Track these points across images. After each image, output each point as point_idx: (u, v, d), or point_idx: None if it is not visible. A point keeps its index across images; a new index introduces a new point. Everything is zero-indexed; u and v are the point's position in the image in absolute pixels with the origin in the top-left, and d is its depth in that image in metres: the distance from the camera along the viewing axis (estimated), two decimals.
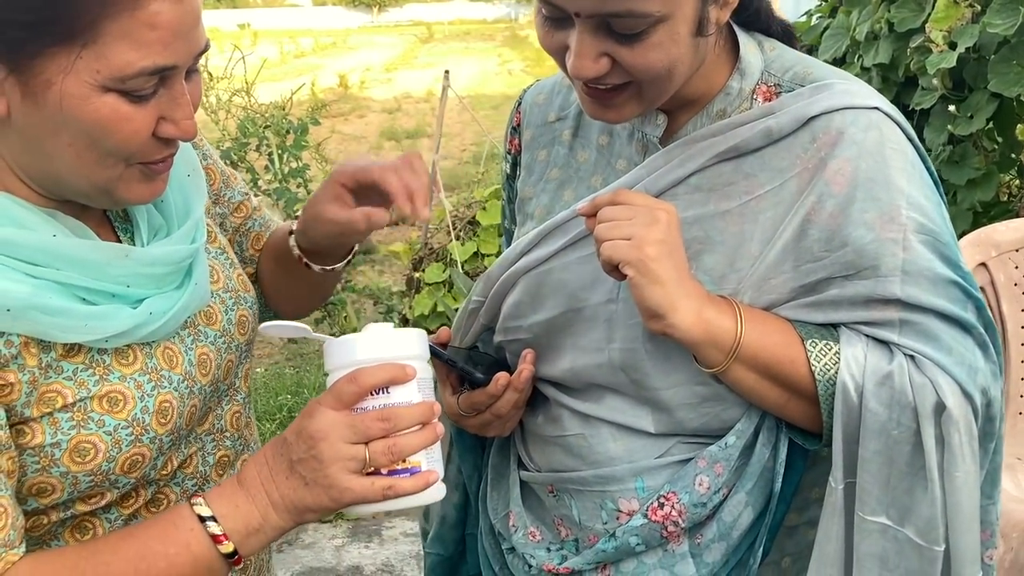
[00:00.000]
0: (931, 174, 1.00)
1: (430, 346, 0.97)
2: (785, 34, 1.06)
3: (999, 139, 3.07)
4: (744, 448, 0.98)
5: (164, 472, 0.93)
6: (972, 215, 2.99)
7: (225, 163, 3.39)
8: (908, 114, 3.31)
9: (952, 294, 0.93)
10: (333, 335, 1.04)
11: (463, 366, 1.09)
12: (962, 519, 0.91)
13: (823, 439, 0.96)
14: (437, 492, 0.88)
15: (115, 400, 0.86)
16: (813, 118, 0.96)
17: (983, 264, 2.10)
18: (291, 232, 1.10)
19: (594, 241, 0.94)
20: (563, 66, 0.93)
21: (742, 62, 1.00)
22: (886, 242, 0.92)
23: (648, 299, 0.89)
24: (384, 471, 0.83)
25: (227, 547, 0.82)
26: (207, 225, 1.05)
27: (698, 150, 0.98)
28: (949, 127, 3.01)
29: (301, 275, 1.13)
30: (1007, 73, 2.81)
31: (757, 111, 0.98)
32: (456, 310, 3.56)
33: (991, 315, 0.99)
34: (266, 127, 3.18)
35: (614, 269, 0.92)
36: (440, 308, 3.58)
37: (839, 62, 3.66)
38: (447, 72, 3.82)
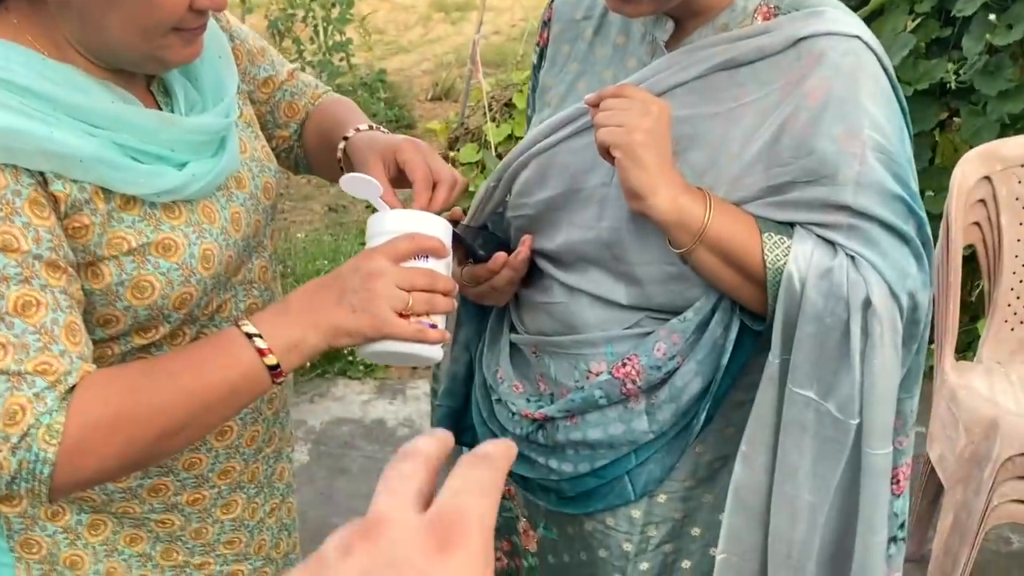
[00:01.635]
0: (900, 104, 1.11)
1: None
2: None
3: None
4: (700, 323, 1.12)
5: (206, 311, 1.08)
6: (1000, 126, 3.02)
7: (272, 32, 3.48)
8: (949, 20, 3.28)
9: (897, 208, 1.05)
10: (370, 209, 1.19)
11: (469, 243, 1.24)
12: (876, 399, 1.05)
13: (766, 320, 1.10)
14: (441, 352, 1.05)
15: (168, 247, 1.00)
16: (801, 39, 1.07)
17: (987, 177, 2.17)
18: (344, 138, 1.22)
19: (594, 129, 1.06)
20: None
21: None
22: (846, 155, 1.04)
23: (631, 180, 1.02)
24: (414, 319, 0.99)
25: (271, 360, 0.96)
26: (240, 104, 1.18)
27: (699, 58, 1.10)
28: (988, 36, 3.01)
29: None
30: None
31: (755, 28, 1.10)
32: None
33: (929, 234, 1.11)
34: (312, 0, 3.25)
35: (607, 152, 1.05)
36: (472, 189, 3.71)
37: None
38: None
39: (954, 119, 3.35)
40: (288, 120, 1.34)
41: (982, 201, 2.18)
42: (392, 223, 1.04)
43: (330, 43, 3.33)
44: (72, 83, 0.94)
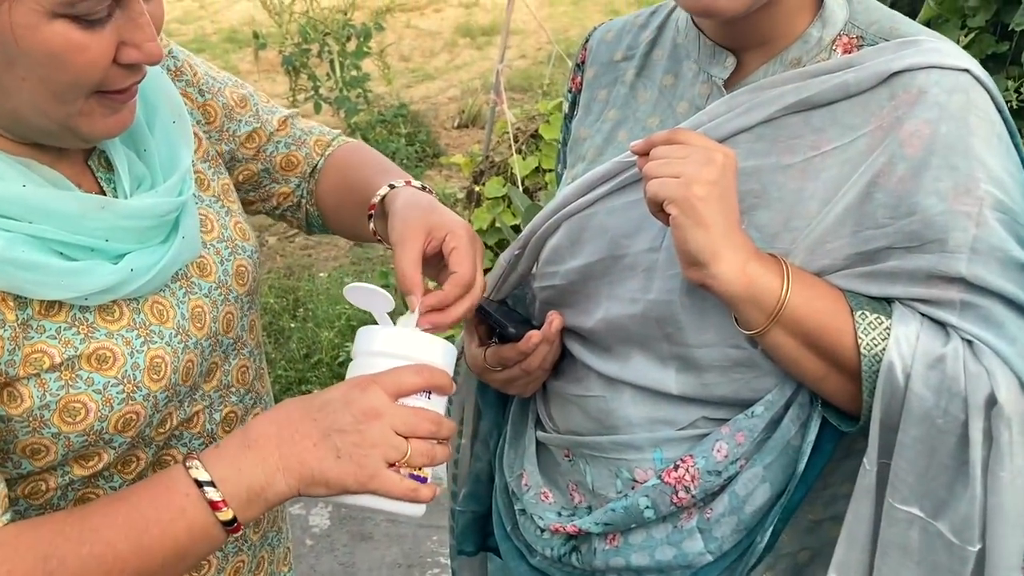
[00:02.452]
0: (1019, 150, 0.92)
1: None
2: None
3: None
4: (771, 420, 0.93)
5: (162, 431, 0.91)
6: None
7: (286, 69, 3.31)
8: (1006, 34, 3.08)
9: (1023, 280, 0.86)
10: None
11: (497, 318, 1.07)
12: (1003, 522, 0.84)
13: (860, 420, 0.90)
14: (421, 510, 0.87)
15: (103, 358, 0.83)
16: (895, 74, 0.89)
17: None
18: (373, 209, 1.06)
19: (643, 182, 0.89)
20: None
21: (825, 10, 0.94)
22: (958, 215, 0.85)
23: (690, 242, 0.85)
24: (404, 471, 0.82)
25: (226, 514, 0.78)
26: (199, 172, 1.01)
27: (766, 99, 0.93)
28: None
29: (368, 231, 1.09)
30: None
31: (835, 62, 0.92)
32: (513, 227, 3.51)
33: None
34: (327, 34, 3.10)
35: (659, 209, 0.87)
36: (497, 225, 3.54)
37: None
38: None
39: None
40: (287, 175, 1.18)
41: None
42: (396, 345, 0.87)
43: (347, 78, 3.18)
44: None
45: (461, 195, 5.37)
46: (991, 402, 0.84)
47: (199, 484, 0.78)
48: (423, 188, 1.07)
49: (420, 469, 0.83)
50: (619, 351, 1.01)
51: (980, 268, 0.85)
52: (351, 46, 3.16)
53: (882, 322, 0.87)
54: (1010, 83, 2.96)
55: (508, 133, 3.46)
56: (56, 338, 0.81)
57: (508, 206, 3.55)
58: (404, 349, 0.87)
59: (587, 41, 1.16)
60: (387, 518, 2.77)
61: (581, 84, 1.14)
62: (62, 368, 0.81)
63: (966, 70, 0.89)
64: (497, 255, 3.83)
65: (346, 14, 3.17)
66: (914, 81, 0.89)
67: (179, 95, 0.97)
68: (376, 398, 0.81)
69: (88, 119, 0.79)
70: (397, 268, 0.93)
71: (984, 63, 3.16)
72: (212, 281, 0.96)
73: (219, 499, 0.78)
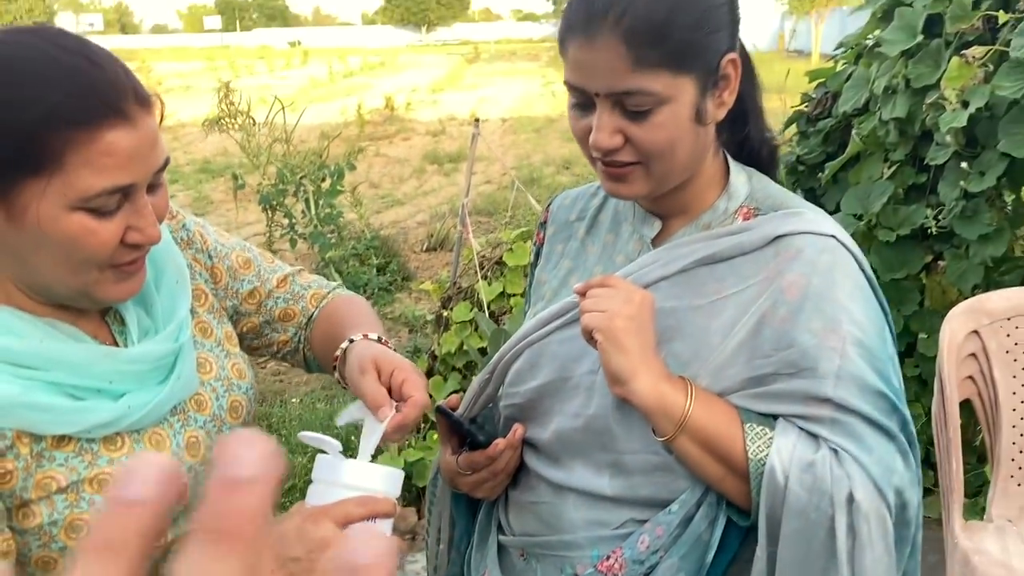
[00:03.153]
0: (879, 301, 1.13)
1: (443, 409, 1.23)
2: (771, 158, 1.23)
3: (1012, 197, 3.12)
4: (685, 517, 1.10)
5: (158, 546, 1.05)
6: (984, 269, 3.05)
7: (263, 207, 3.55)
8: (923, 168, 3.37)
9: (879, 404, 1.05)
10: None
11: (469, 429, 1.25)
12: None
13: (752, 516, 1.07)
14: None
15: (104, 482, 0.98)
16: (779, 237, 1.11)
17: (975, 332, 2.17)
18: (336, 360, 1.23)
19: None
20: (586, 149, 1.11)
21: (730, 187, 1.18)
22: (826, 348, 1.05)
23: (612, 364, 1.04)
24: None
25: None
26: (205, 322, 1.19)
27: (682, 254, 1.15)
28: (962, 183, 3.08)
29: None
30: (1017, 134, 2.87)
31: (735, 227, 1.15)
32: (480, 350, 3.68)
33: (914, 433, 1.10)
34: (303, 176, 3.34)
35: (590, 337, 1.07)
36: (465, 348, 3.71)
37: (860, 111, 3.74)
38: (477, 120, 3.97)
39: (939, 262, 3.39)
40: (285, 325, 1.35)
41: (973, 356, 2.17)
42: (346, 477, 1.00)
43: (321, 215, 3.40)
44: (3, 326, 0.94)
45: (431, 318, 5.57)
46: (851, 500, 1.01)
47: None
48: (379, 340, 1.25)
49: None
50: (565, 461, 1.19)
51: (843, 392, 1.04)
52: (326, 185, 3.41)
53: (767, 433, 1.05)
54: (929, 211, 3.23)
55: (474, 260, 3.67)
56: (64, 465, 0.96)
57: (475, 330, 3.73)
58: (353, 480, 0.99)
59: (549, 205, 1.40)
60: None
61: (544, 239, 1.37)
62: (68, 491, 0.96)
63: (833, 236, 1.12)
64: (465, 376, 4.00)
65: (321, 156, 3.43)
66: (793, 243, 1.11)
67: (183, 260, 1.16)
68: (325, 530, 0.92)
69: (101, 287, 0.98)
70: (364, 392, 1.10)
71: (906, 193, 3.46)
72: (207, 415, 1.12)
73: None
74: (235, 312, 1.31)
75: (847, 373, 1.05)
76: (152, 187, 0.98)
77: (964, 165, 3.10)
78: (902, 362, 3.43)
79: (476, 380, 1.31)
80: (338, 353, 1.24)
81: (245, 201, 5.73)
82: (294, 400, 4.37)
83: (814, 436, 1.06)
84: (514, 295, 3.92)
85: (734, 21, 1.10)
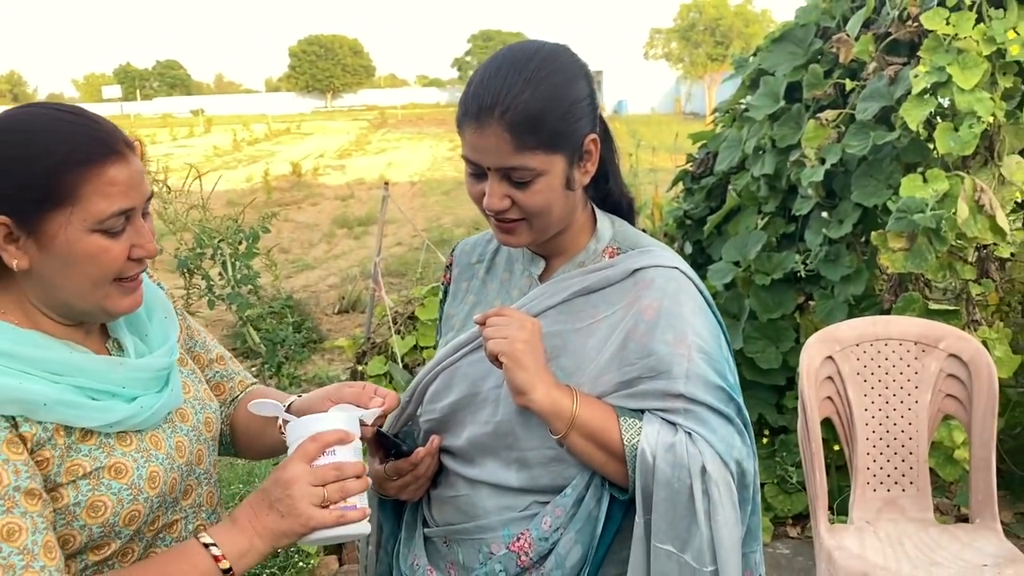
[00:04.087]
0: (715, 314, 1.41)
1: (380, 430, 1.43)
2: (629, 207, 1.52)
3: (867, 241, 3.50)
4: (577, 499, 1.34)
5: (152, 529, 1.25)
6: (847, 306, 3.40)
7: (181, 271, 3.69)
8: (792, 218, 3.75)
9: (720, 396, 1.32)
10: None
11: (395, 441, 1.47)
12: (724, 550, 1.27)
13: (628, 491, 1.32)
14: (367, 527, 1.23)
15: (119, 470, 1.19)
16: (636, 270, 1.39)
17: (830, 357, 2.48)
18: (288, 406, 1.44)
19: (484, 343, 1.32)
20: (481, 208, 1.36)
21: (598, 232, 1.45)
22: (677, 356, 1.31)
23: (515, 380, 1.28)
24: (334, 507, 1.19)
25: (225, 564, 1.16)
26: (183, 354, 1.42)
27: (563, 287, 1.41)
28: (824, 230, 3.44)
29: (273, 440, 1.46)
30: (866, 186, 3.26)
31: (602, 264, 1.42)
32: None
33: (748, 418, 1.37)
34: (220, 240, 3.51)
35: (495, 359, 1.30)
36: None
37: (736, 169, 4.12)
38: (387, 183, 4.20)
39: (810, 302, 3.74)
40: (214, 397, 1.53)
41: (830, 378, 2.48)
42: (302, 429, 1.25)
43: (238, 277, 3.57)
44: (35, 343, 1.17)
45: (344, 376, 5.71)
46: (703, 470, 1.26)
47: (206, 546, 1.16)
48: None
49: (346, 501, 1.19)
50: (478, 461, 1.42)
51: (692, 388, 1.31)
52: (242, 248, 3.58)
53: (636, 424, 1.30)
54: (798, 256, 3.59)
55: (387, 316, 3.87)
56: (88, 455, 1.17)
57: (389, 382, 3.91)
58: (310, 429, 1.23)
59: (453, 251, 1.66)
60: None
61: (450, 279, 1.63)
62: (90, 476, 1.17)
63: (676, 267, 1.41)
64: (381, 426, 4.16)
65: (236, 221, 3.60)
66: (647, 274, 1.37)
67: (169, 303, 1.41)
68: (291, 470, 1.18)
69: (113, 300, 1.21)
70: (346, 392, 1.36)
71: (778, 241, 3.83)
72: (190, 425, 1.33)
73: (220, 554, 1.16)
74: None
75: (694, 373, 1.30)
76: (144, 214, 1.23)
77: (825, 215, 3.48)
78: (783, 395, 3.77)
79: (399, 400, 1.53)
80: (288, 403, 1.45)
81: (159, 266, 5.82)
82: None
83: (672, 424, 1.29)
84: (426, 347, 4.12)
85: (594, 108, 1.38)
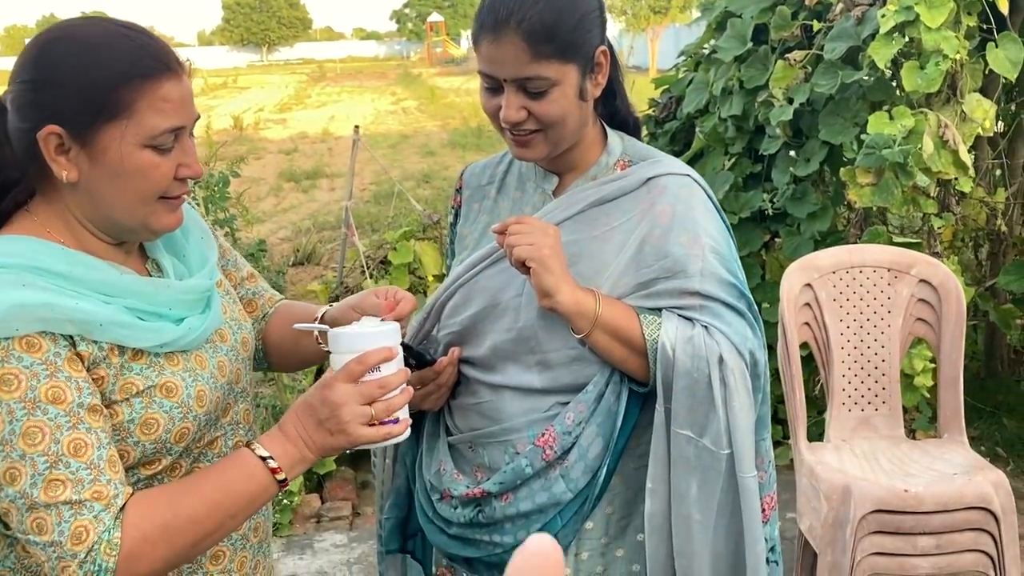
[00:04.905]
0: (723, 220, 1.50)
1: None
2: (635, 125, 1.58)
3: (832, 178, 3.63)
4: (597, 395, 1.41)
5: (199, 445, 1.28)
6: (813, 242, 3.53)
7: None
8: (759, 158, 3.85)
9: (731, 292, 1.41)
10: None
11: (418, 351, 1.52)
12: (739, 434, 1.37)
13: (648, 384, 1.40)
14: (408, 431, 1.27)
15: (170, 388, 1.21)
16: (649, 179, 1.46)
17: (808, 284, 2.59)
18: (321, 317, 1.49)
19: (505, 254, 1.38)
20: (496, 123, 1.41)
21: (609, 146, 1.52)
22: (692, 256, 1.39)
23: (544, 283, 1.34)
24: (380, 424, 1.23)
25: (281, 475, 1.19)
26: (219, 275, 1.43)
27: (579, 199, 1.47)
28: (791, 169, 3.55)
29: (307, 349, 1.51)
30: (833, 124, 3.37)
31: (616, 175, 1.48)
32: None
33: (758, 312, 1.46)
34: (195, 182, 3.48)
35: (521, 265, 1.35)
36: None
37: (701, 113, 4.20)
38: (357, 127, 4.19)
39: (776, 240, 3.87)
40: (247, 315, 1.56)
41: (808, 305, 2.60)
42: (348, 343, 1.26)
43: (215, 220, 3.54)
44: (87, 264, 1.17)
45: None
46: (720, 360, 1.35)
47: (263, 459, 1.19)
48: None
49: (391, 415, 1.22)
50: (500, 366, 1.48)
51: (707, 284, 1.39)
52: (215, 192, 3.56)
53: (656, 321, 1.38)
54: (765, 195, 3.70)
55: (360, 260, 3.89)
56: (140, 375, 1.19)
57: None
58: (355, 345, 1.23)
59: (462, 175, 1.70)
60: None
61: (461, 202, 1.67)
62: (143, 394, 1.18)
63: (687, 175, 1.48)
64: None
65: (208, 164, 3.57)
66: (660, 182, 1.44)
67: (204, 221, 1.41)
68: (338, 391, 1.18)
69: (157, 217, 1.21)
70: (369, 303, 1.39)
71: (745, 181, 3.93)
72: (229, 345, 1.35)
73: (276, 466, 1.19)
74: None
75: (708, 271, 1.38)
76: (190, 135, 1.24)
77: (792, 153, 3.59)
78: None
79: (415, 319, 1.58)
80: (319, 315, 1.50)
81: None
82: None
83: (689, 319, 1.38)
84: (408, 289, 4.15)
85: (603, 22, 1.45)
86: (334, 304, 1.52)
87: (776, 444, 3.87)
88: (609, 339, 1.37)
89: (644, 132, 4.88)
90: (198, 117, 1.24)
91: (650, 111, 4.77)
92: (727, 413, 1.37)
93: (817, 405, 3.60)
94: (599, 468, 1.43)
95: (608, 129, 1.53)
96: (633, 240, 1.42)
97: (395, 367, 1.26)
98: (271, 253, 8.53)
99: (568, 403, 1.43)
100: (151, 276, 1.29)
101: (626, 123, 1.56)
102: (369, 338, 1.27)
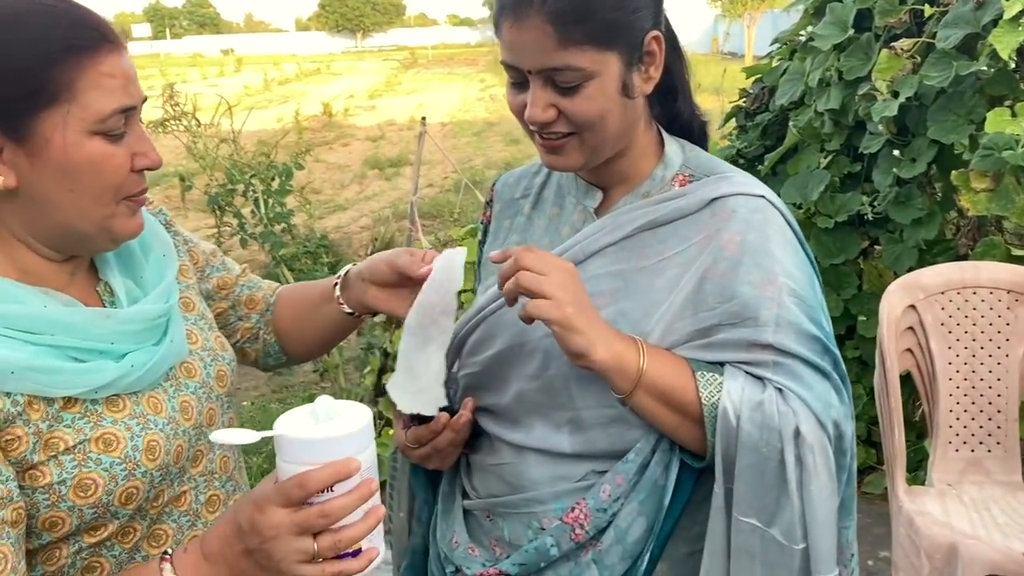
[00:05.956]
0: (807, 253, 1.21)
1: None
2: (701, 131, 1.30)
3: (941, 181, 3.26)
4: (641, 464, 1.16)
5: (156, 505, 1.08)
6: (918, 252, 3.19)
7: (212, 208, 3.53)
8: (858, 156, 3.51)
9: (814, 347, 1.13)
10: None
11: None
12: (817, 525, 1.10)
13: (706, 457, 1.14)
14: (373, 567, 0.98)
15: (109, 441, 1.01)
16: (714, 199, 1.18)
17: (912, 306, 2.28)
18: (336, 283, 1.34)
19: (513, 295, 1.12)
20: (523, 123, 1.17)
21: (666, 157, 1.25)
22: (765, 299, 1.12)
23: (572, 345, 1.08)
24: (327, 562, 0.94)
25: None
26: (188, 297, 1.24)
27: (626, 221, 1.21)
28: (895, 170, 3.21)
29: (327, 317, 1.35)
30: (944, 121, 3.02)
31: (673, 193, 1.21)
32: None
33: (845, 372, 1.18)
34: (252, 175, 3.34)
35: (530, 320, 1.11)
36: None
37: (796, 105, 3.87)
38: (424, 119, 4.00)
39: (875, 247, 3.52)
40: (249, 312, 1.41)
41: (911, 329, 2.28)
42: (295, 451, 0.95)
43: (271, 215, 3.41)
44: (4, 294, 0.98)
45: (378, 319, 5.59)
46: (797, 433, 1.09)
47: None
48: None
49: (342, 550, 0.93)
50: (524, 422, 1.24)
51: (782, 337, 1.10)
52: (275, 185, 3.41)
53: (717, 379, 1.10)
54: (865, 197, 3.36)
55: None
56: (71, 427, 0.98)
57: None
58: (304, 455, 0.93)
59: (494, 185, 1.45)
60: None
61: (491, 217, 1.42)
62: (75, 450, 0.98)
63: (762, 196, 1.20)
64: None
65: (269, 156, 3.43)
66: (727, 204, 1.17)
67: (168, 238, 1.21)
68: (270, 517, 0.91)
69: (119, 220, 1.03)
70: (403, 260, 1.23)
71: (842, 181, 3.59)
72: (197, 381, 1.15)
73: None
74: (207, 296, 1.35)
75: (784, 320, 1.12)
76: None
77: (896, 153, 3.24)
78: (843, 345, 3.57)
79: None
80: (339, 276, 1.34)
81: (189, 205, 5.69)
82: (245, 403, 4.34)
83: (759, 379, 1.11)
84: (464, 291, 3.95)
85: (656, 1, 1.17)
86: (359, 264, 1.34)
87: (869, 470, 3.57)
88: (656, 403, 1.12)
89: (732, 125, 4.59)
90: (145, 99, 1.06)
91: (741, 102, 4.46)
92: (803, 499, 1.09)
93: (916, 429, 3.27)
94: (640, 554, 1.17)
95: (666, 136, 1.27)
96: (691, 275, 1.15)
97: (351, 484, 0.94)
98: (350, 241, 8.49)
99: (605, 473, 1.18)
100: (102, 301, 1.09)
101: (689, 129, 1.29)
102: (322, 446, 0.94)
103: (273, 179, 3.48)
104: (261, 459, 3.65)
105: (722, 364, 1.13)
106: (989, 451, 2.29)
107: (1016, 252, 2.82)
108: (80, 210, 1.00)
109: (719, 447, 1.11)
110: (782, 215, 1.20)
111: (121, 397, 1.04)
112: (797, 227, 1.20)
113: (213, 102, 3.92)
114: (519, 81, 1.14)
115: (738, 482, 1.10)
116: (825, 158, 3.67)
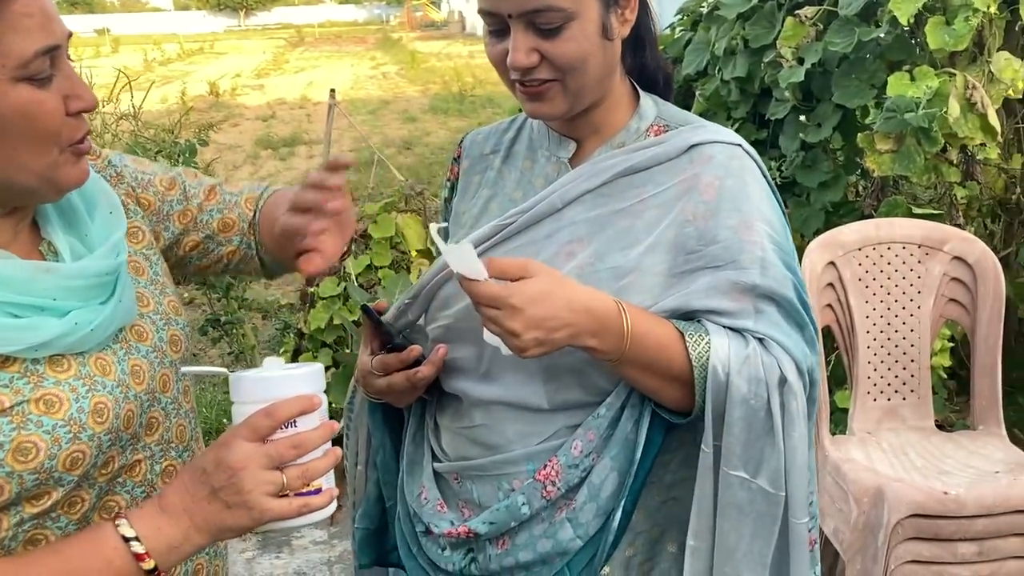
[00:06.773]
0: (778, 201, 1.24)
1: (369, 309, 1.23)
2: (666, 82, 1.32)
3: (844, 145, 3.39)
4: (612, 419, 1.17)
5: (105, 473, 1.02)
6: (824, 214, 3.30)
7: None
8: (764, 123, 3.61)
9: (794, 295, 1.16)
10: (232, 354, 1.14)
11: (388, 328, 1.27)
12: (796, 470, 1.13)
13: (690, 415, 1.15)
14: (333, 507, 1.00)
15: (50, 402, 0.95)
16: (692, 146, 1.20)
17: (832, 263, 2.36)
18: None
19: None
20: (503, 73, 1.16)
21: (640, 108, 1.26)
22: (747, 242, 1.14)
23: (551, 350, 1.09)
24: (295, 494, 0.95)
25: (148, 564, 0.92)
26: (138, 261, 1.17)
27: (603, 168, 1.21)
28: (801, 135, 3.31)
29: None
30: (848, 86, 3.12)
31: (650, 141, 1.22)
32: (353, 322, 3.64)
33: (815, 319, 1.21)
34: (158, 152, 3.20)
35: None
36: (336, 321, 3.67)
37: (701, 75, 3.94)
38: (333, 91, 3.91)
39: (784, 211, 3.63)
40: (227, 235, 1.33)
41: (831, 285, 2.37)
42: (254, 393, 0.99)
43: None
44: None
45: (285, 301, 5.45)
46: (782, 381, 1.11)
47: (126, 540, 0.92)
48: None
49: (309, 484, 0.95)
50: (496, 374, 1.22)
51: (769, 280, 1.14)
52: (180, 162, 3.28)
53: (704, 338, 1.11)
54: (772, 163, 3.46)
55: None
56: (8, 387, 0.93)
57: (345, 303, 3.70)
58: (262, 393, 0.97)
59: (461, 142, 1.43)
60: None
61: (458, 173, 1.40)
62: (12, 412, 0.92)
63: (739, 144, 1.22)
64: (336, 351, 3.95)
65: (173, 132, 3.29)
66: (705, 150, 1.19)
67: (115, 196, 1.13)
68: (238, 451, 0.92)
69: (63, 169, 0.97)
70: (309, 196, 1.15)
71: None
72: (149, 345, 1.09)
73: (143, 551, 0.92)
74: (175, 235, 1.27)
75: (769, 263, 1.13)
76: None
77: (802, 118, 3.34)
78: None
79: (395, 305, 1.32)
80: (262, 195, 1.30)
81: None
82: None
83: (739, 333, 1.13)
84: (381, 267, 3.90)
85: None
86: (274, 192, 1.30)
87: None
88: (640, 373, 1.13)
89: None
90: (71, 34, 0.98)
91: None
92: (786, 446, 1.12)
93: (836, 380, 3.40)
94: (613, 510, 1.18)
95: (641, 91, 1.28)
96: (672, 219, 1.16)
97: (316, 420, 0.97)
98: None
99: (576, 428, 1.18)
100: (46, 259, 1.02)
101: (655, 80, 1.30)
102: (281, 383, 0.98)
103: (178, 156, 3.35)
104: (218, 436, 3.54)
105: (698, 320, 1.14)
106: (904, 399, 2.40)
107: (916, 211, 2.95)
108: (17, 164, 0.94)
109: (710, 404, 1.12)
110: (758, 164, 1.22)
111: (66, 357, 0.98)
112: (769, 177, 1.23)
113: (99, 82, 3.73)
114: (498, 28, 1.14)
115: (728, 436, 1.12)
116: (732, 125, 3.76)
